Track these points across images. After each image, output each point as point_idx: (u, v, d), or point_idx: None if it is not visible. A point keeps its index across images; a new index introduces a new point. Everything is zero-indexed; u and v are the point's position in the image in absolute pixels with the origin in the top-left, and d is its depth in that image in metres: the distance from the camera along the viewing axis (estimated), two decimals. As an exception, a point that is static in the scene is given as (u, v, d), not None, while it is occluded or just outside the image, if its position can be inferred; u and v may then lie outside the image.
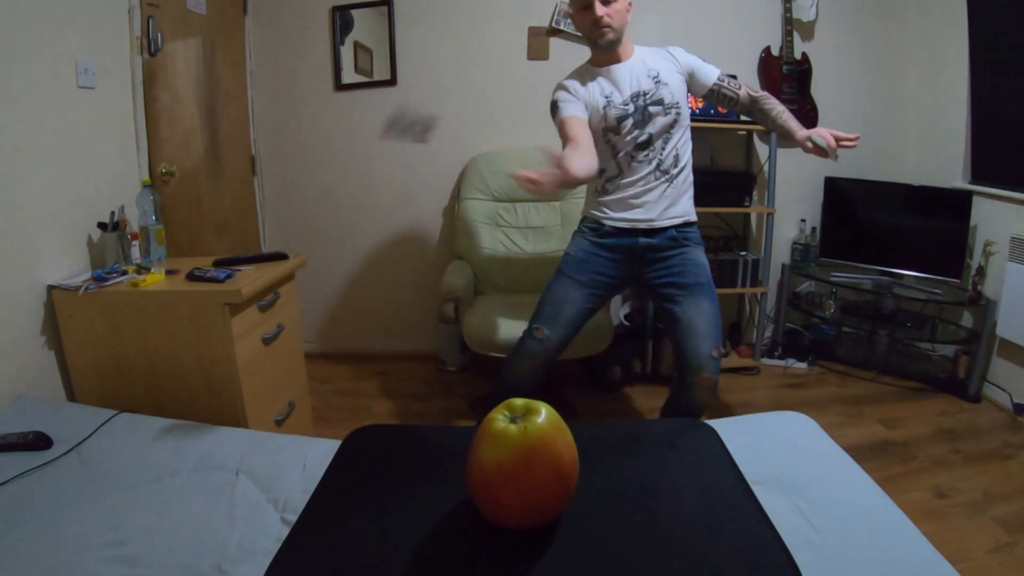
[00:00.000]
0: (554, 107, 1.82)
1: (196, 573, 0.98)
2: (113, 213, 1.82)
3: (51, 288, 1.64)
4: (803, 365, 3.05)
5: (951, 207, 2.76)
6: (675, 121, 1.81)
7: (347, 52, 2.92)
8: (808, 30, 3.00)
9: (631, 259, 1.86)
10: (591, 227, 1.90)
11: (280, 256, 1.95)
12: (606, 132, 1.81)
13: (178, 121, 2.29)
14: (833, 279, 2.98)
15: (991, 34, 2.65)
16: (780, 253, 3.16)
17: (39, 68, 1.64)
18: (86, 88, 1.80)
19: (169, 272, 1.74)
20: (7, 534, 1.05)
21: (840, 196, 3.04)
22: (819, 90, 3.02)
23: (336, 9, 2.87)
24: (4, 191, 1.53)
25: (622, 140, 1.80)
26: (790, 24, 2.92)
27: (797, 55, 2.95)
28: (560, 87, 1.84)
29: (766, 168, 2.92)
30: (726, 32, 2.98)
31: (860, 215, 3.02)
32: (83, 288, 1.61)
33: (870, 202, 3.01)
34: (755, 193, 3.01)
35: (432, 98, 2.97)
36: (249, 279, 1.69)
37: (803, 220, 3.15)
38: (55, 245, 1.70)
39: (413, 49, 2.93)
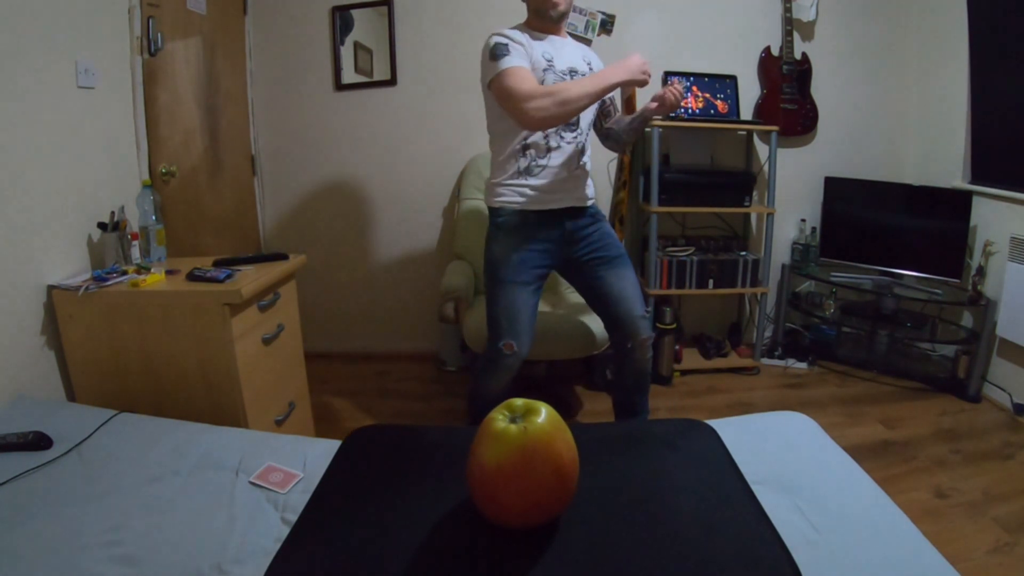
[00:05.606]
0: (498, 50, 1.65)
1: (196, 573, 0.98)
2: (113, 213, 1.82)
3: (51, 288, 1.64)
4: (803, 365, 3.05)
5: (951, 207, 2.76)
6: (592, 109, 1.84)
7: (347, 52, 2.92)
8: (808, 30, 3.00)
9: (560, 243, 1.87)
10: (513, 223, 1.81)
11: (280, 256, 1.95)
12: None
13: (178, 121, 2.29)
14: (833, 279, 2.98)
15: (991, 34, 2.64)
16: (780, 253, 3.17)
17: (39, 68, 1.63)
18: (86, 88, 1.80)
19: (169, 272, 1.74)
20: (7, 534, 1.05)
21: (840, 196, 3.04)
22: (819, 90, 3.02)
23: (336, 9, 2.87)
24: (4, 191, 1.53)
25: None
26: (790, 24, 2.92)
27: (797, 55, 2.95)
28: (501, 34, 1.70)
29: (766, 168, 2.92)
30: (726, 32, 2.98)
31: (860, 215, 3.02)
32: (83, 288, 1.61)
33: (870, 202, 3.01)
34: (755, 193, 3.01)
35: (432, 98, 2.97)
36: (249, 279, 1.69)
37: (803, 220, 3.15)
38: (55, 245, 1.70)
39: (413, 49, 2.93)
